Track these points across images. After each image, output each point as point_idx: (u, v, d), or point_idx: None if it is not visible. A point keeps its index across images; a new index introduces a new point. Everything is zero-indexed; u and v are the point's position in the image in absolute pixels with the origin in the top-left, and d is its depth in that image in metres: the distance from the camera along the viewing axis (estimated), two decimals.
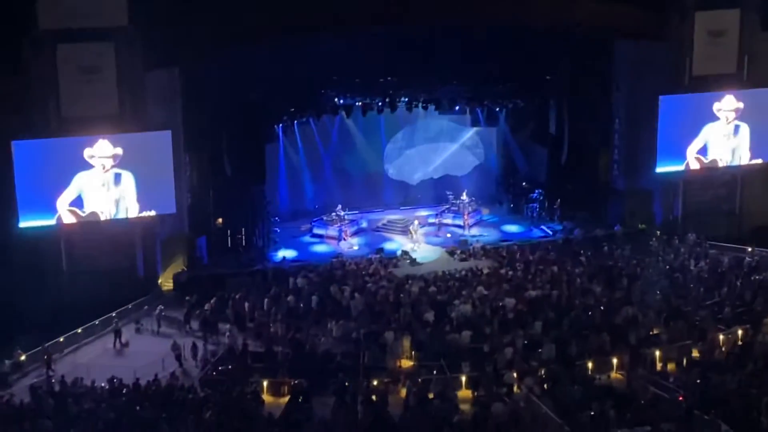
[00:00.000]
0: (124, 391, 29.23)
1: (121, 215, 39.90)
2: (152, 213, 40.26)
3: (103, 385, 29.88)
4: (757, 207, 46.33)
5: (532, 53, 46.07)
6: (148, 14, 37.83)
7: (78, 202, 39.22)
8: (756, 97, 44.46)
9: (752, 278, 36.85)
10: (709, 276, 37.63)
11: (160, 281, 41.39)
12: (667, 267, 39.44)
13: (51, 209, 38.85)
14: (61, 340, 34.06)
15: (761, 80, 44.68)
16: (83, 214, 39.30)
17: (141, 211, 40.02)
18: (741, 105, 44.39)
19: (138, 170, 39.67)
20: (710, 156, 45.06)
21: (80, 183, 39.09)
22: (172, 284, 41.35)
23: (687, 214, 45.99)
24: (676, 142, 44.57)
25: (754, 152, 45.33)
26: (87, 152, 38.85)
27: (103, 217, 39.64)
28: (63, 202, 39.07)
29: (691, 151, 44.79)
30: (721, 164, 45.33)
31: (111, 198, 39.66)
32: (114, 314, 35.99)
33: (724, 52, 44.08)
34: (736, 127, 44.90)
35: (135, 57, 38.93)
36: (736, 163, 45.43)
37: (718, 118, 44.59)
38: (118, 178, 39.54)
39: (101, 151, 38.97)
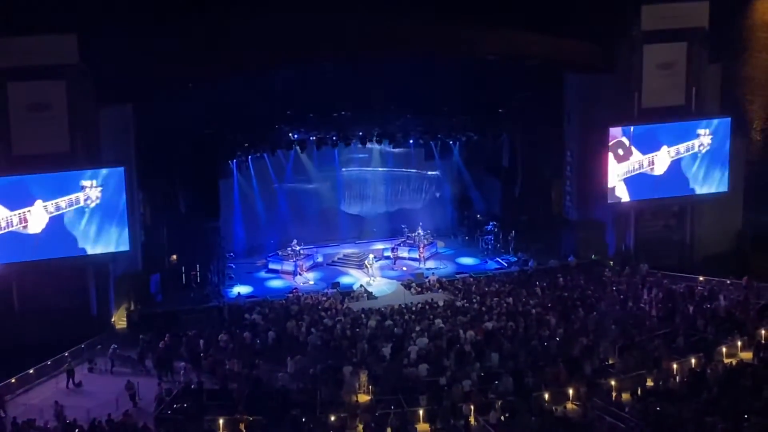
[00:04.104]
0: None
1: (74, 253, 39.48)
2: (105, 250, 39.92)
3: (56, 425, 29.43)
4: (707, 237, 46.88)
5: (484, 86, 46.64)
6: (100, 51, 37.79)
7: (30, 239, 38.78)
8: (705, 129, 45.14)
9: (704, 307, 37.26)
10: (662, 305, 37.97)
11: (113, 320, 40.92)
12: (621, 297, 39.77)
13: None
14: (13, 381, 33.45)
15: (709, 112, 45.47)
16: (35, 254, 38.87)
17: (94, 248, 39.67)
18: (693, 137, 45.04)
19: (91, 207, 39.34)
20: (660, 187, 45.59)
21: (32, 220, 38.68)
22: (125, 323, 40.90)
23: (639, 244, 46.43)
24: (626, 174, 45.10)
25: (704, 183, 45.92)
26: (40, 190, 38.55)
27: (54, 255, 39.18)
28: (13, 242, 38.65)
29: (641, 182, 45.32)
30: (671, 195, 45.87)
31: (64, 236, 39.23)
32: (67, 354, 35.45)
33: (672, 84, 44.73)
34: (688, 158, 45.41)
35: (87, 94, 38.79)
36: (686, 193, 45.99)
37: (669, 149, 45.18)
38: (71, 215, 39.19)
39: (54, 188, 38.71)
